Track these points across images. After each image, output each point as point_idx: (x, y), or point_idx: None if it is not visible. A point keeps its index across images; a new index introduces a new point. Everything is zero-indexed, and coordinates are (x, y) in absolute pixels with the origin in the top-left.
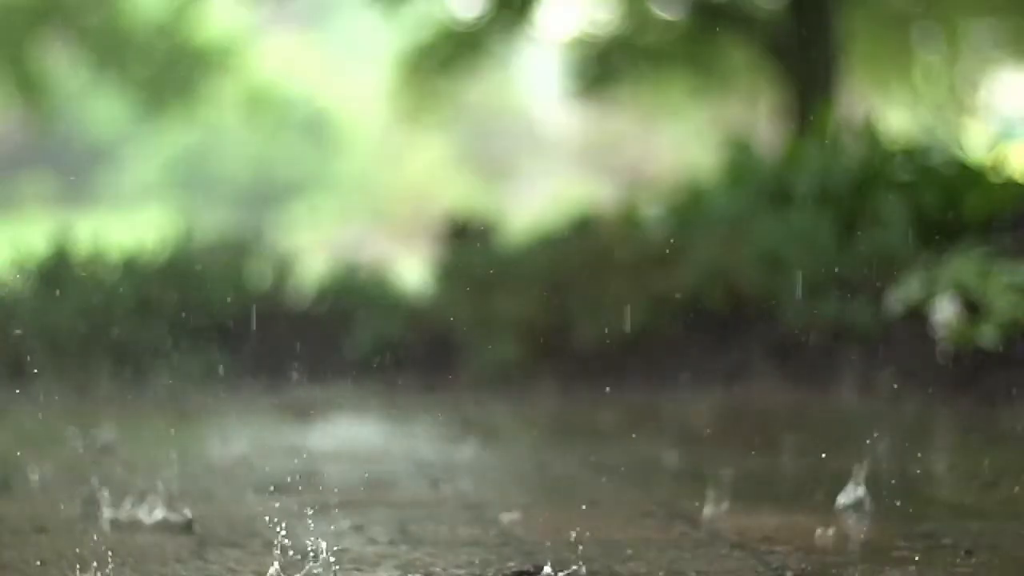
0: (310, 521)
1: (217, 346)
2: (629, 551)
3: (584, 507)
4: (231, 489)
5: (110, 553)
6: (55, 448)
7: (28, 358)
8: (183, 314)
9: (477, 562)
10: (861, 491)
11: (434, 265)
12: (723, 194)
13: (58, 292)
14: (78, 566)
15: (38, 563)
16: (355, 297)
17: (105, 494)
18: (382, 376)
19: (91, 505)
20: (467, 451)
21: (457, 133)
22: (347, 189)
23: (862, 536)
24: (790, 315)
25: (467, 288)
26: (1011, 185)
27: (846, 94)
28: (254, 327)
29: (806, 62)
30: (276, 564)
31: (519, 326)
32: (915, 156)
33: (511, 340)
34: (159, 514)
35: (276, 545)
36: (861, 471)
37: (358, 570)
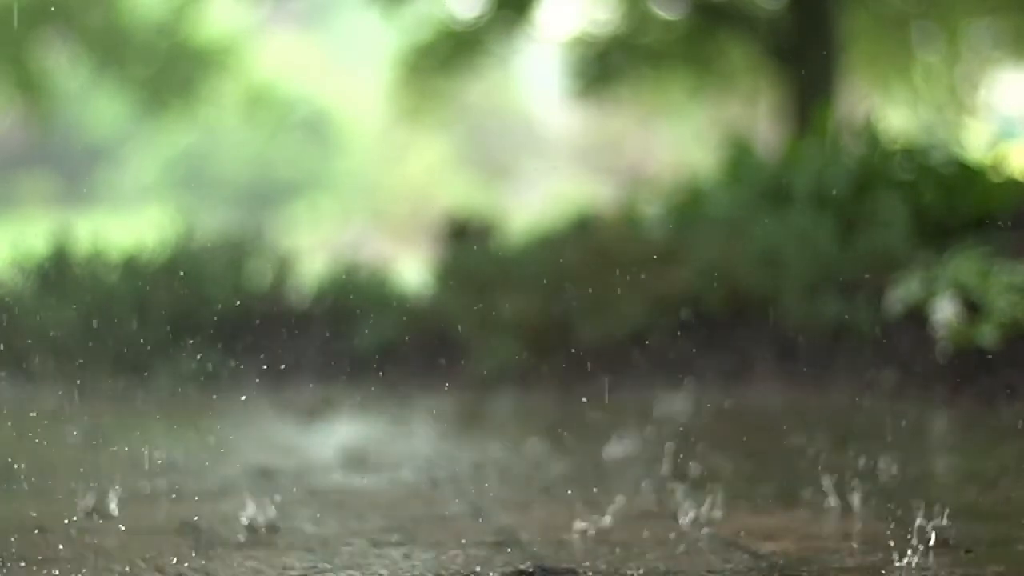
0: (309, 520)
1: (217, 346)
2: (628, 550)
3: (583, 506)
4: (230, 487)
5: (111, 553)
6: (55, 447)
7: (27, 358)
8: (183, 314)
9: (477, 562)
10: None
11: (434, 265)
12: (723, 194)
13: (58, 292)
14: (78, 565)
15: (39, 563)
16: (355, 297)
17: (106, 494)
18: (382, 376)
19: (92, 505)
20: (467, 450)
21: (457, 133)
22: (347, 189)
23: (862, 535)
24: (790, 315)
25: (467, 288)
26: (1011, 185)
27: (846, 94)
28: (254, 327)
29: (806, 62)
30: (275, 562)
31: (519, 326)
32: (915, 156)
33: (511, 340)
34: (160, 513)
35: (275, 544)
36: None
37: (358, 569)
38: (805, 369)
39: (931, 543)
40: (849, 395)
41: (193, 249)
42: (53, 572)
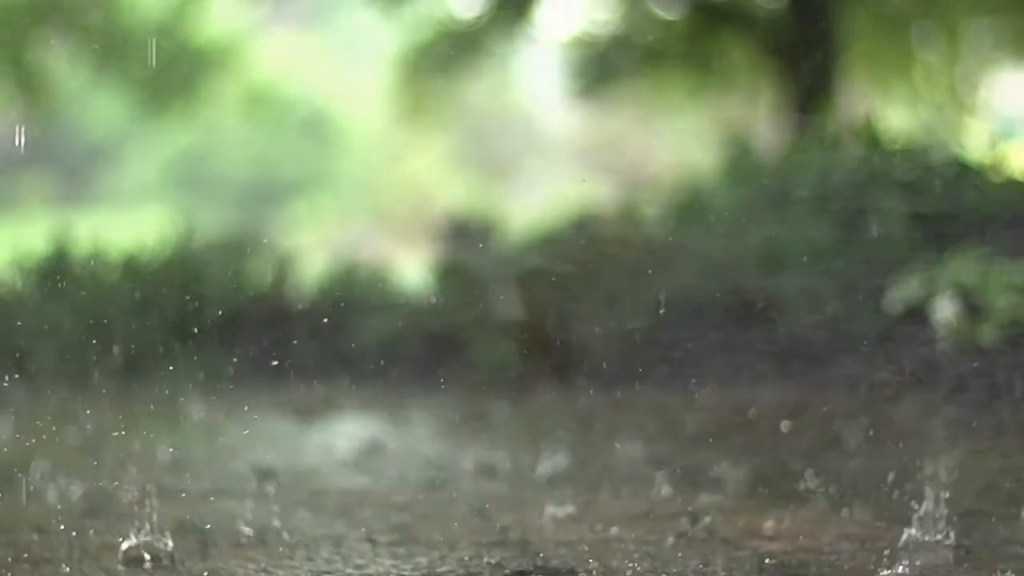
0: (309, 520)
1: (217, 346)
2: (628, 551)
3: (583, 506)
4: (230, 487)
5: (110, 553)
6: (54, 448)
7: (27, 357)
8: (183, 314)
9: (477, 562)
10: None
11: (434, 265)
12: (723, 193)
13: (58, 292)
14: (77, 566)
15: (38, 563)
16: (355, 297)
17: (105, 494)
18: (382, 376)
19: (91, 505)
20: (466, 450)
21: (457, 133)
22: (347, 189)
23: (861, 535)
24: (790, 315)
25: (467, 288)
26: (1011, 184)
27: (846, 94)
28: (254, 327)
29: (806, 62)
30: (275, 562)
31: (519, 326)
32: (915, 156)
33: (511, 339)
34: (160, 513)
35: (275, 544)
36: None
37: (358, 569)
38: (805, 369)
39: (930, 543)
40: (848, 395)
41: (193, 249)
42: (52, 573)
